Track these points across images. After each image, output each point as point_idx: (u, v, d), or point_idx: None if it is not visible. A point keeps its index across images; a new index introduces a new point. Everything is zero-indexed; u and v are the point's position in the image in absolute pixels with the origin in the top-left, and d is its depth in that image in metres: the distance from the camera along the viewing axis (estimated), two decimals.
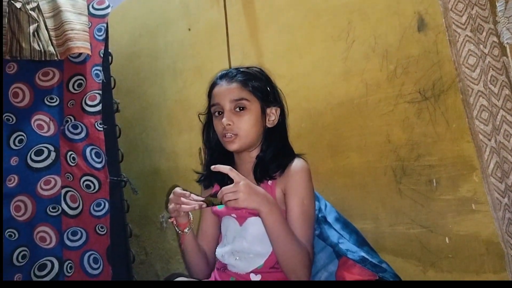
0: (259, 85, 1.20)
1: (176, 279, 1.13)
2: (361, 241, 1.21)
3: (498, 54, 1.03)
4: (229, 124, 1.15)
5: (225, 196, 1.02)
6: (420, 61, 1.17)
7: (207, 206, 1.11)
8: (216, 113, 1.20)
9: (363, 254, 1.14)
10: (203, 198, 1.12)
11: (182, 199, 1.11)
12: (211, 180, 1.27)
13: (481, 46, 1.03)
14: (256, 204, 1.03)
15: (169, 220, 1.20)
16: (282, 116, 1.25)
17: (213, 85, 1.23)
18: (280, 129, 1.24)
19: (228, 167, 1.04)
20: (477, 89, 1.03)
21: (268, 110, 1.20)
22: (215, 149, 1.26)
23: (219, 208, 1.23)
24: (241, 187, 1.01)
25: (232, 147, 1.17)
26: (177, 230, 1.18)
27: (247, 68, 1.25)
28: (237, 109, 1.16)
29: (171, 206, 1.14)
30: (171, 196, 1.14)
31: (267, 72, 1.27)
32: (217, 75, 1.24)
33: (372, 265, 1.12)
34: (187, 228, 1.17)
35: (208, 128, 1.28)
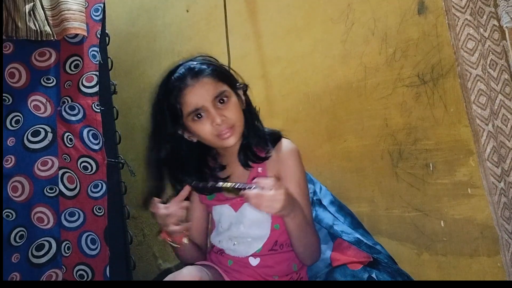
0: (223, 72, 1.14)
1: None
2: (355, 224, 1.22)
3: (498, 38, 1.03)
4: (223, 119, 1.08)
5: (263, 201, 0.96)
6: (420, 44, 1.16)
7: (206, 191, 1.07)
8: (195, 117, 1.10)
9: (357, 235, 1.16)
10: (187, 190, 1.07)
11: (171, 209, 1.05)
12: (182, 183, 1.17)
13: (481, 30, 1.03)
14: (286, 213, 1.02)
15: (160, 237, 1.11)
16: (247, 96, 1.20)
17: (178, 90, 1.09)
18: (251, 108, 1.20)
19: (273, 179, 0.98)
20: (475, 73, 1.03)
21: (239, 92, 1.16)
22: (188, 154, 1.18)
23: (209, 199, 1.20)
24: (282, 197, 0.97)
25: (231, 141, 1.10)
26: (174, 245, 1.11)
27: (194, 59, 1.16)
28: (219, 103, 1.09)
29: (170, 226, 1.05)
30: (158, 218, 1.07)
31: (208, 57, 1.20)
32: (175, 77, 1.11)
33: (367, 247, 1.14)
34: (186, 239, 1.11)
35: (169, 140, 1.15)
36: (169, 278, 1.04)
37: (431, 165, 1.15)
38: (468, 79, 1.03)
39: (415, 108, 1.18)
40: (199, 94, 1.08)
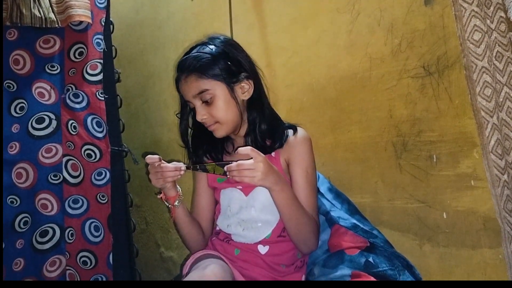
0: (218, 66, 1.12)
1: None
2: (352, 210, 1.24)
3: (505, 30, 1.02)
4: (205, 118, 1.14)
5: (242, 172, 0.99)
6: (426, 35, 1.15)
7: (194, 170, 1.09)
8: (192, 108, 1.18)
9: (354, 221, 1.17)
10: (183, 164, 1.10)
11: (163, 166, 1.09)
12: (202, 156, 1.25)
13: (488, 21, 1.02)
14: (270, 184, 1.03)
15: (158, 196, 1.16)
16: (258, 84, 1.20)
17: (177, 80, 1.18)
18: (261, 97, 1.20)
19: (249, 148, 1.00)
20: (481, 65, 1.03)
21: (236, 87, 1.15)
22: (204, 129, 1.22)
23: (219, 182, 1.23)
24: (260, 165, 0.99)
25: (219, 134, 1.16)
26: (167, 205, 1.16)
27: (206, 42, 1.17)
28: (204, 102, 1.13)
29: (154, 179, 1.10)
30: (149, 168, 1.11)
31: (225, 39, 1.19)
32: (176, 65, 1.17)
33: (363, 231, 1.15)
34: (177, 201, 1.15)
35: (189, 112, 1.23)
36: (193, 278, 1.02)
37: (434, 157, 1.15)
38: (473, 70, 1.03)
39: (419, 100, 1.17)
40: (184, 90, 1.15)
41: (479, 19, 1.02)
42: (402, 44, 1.20)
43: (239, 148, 1.01)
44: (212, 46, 1.15)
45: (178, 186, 1.16)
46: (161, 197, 1.16)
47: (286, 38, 1.52)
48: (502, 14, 1.02)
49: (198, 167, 1.09)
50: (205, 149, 1.25)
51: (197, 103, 1.14)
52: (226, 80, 1.13)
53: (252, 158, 0.99)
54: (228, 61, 1.14)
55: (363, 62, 1.30)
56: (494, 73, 1.02)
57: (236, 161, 1.01)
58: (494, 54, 1.02)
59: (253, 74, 1.18)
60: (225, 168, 1.02)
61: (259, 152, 1.01)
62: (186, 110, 1.22)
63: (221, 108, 1.13)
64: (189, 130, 1.26)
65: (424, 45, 1.16)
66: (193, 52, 1.15)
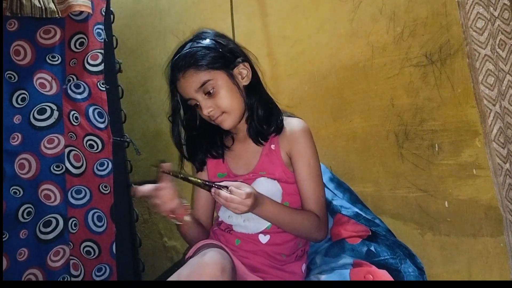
0: (213, 56, 1.12)
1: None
2: (354, 199, 1.24)
3: (508, 17, 1.01)
4: (211, 110, 1.13)
5: (230, 205, 1.02)
6: (428, 23, 1.14)
7: (174, 176, 1.08)
8: (194, 105, 1.17)
9: (356, 210, 1.18)
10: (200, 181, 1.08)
11: (162, 193, 1.08)
12: (202, 158, 1.26)
13: (491, 9, 1.01)
14: (251, 210, 1.05)
15: (169, 217, 1.13)
16: (253, 68, 1.20)
17: (172, 80, 1.16)
18: (257, 81, 1.21)
19: (244, 193, 1.01)
20: (484, 53, 1.02)
21: (235, 72, 1.16)
22: (202, 127, 1.23)
23: (220, 177, 1.23)
24: (248, 203, 1.01)
25: (227, 125, 1.16)
26: (177, 223, 1.14)
27: (194, 39, 1.17)
28: (205, 95, 1.12)
29: (166, 204, 1.08)
30: (154, 198, 1.09)
31: (212, 32, 1.20)
32: (169, 67, 1.17)
33: (365, 220, 1.16)
34: (187, 216, 1.14)
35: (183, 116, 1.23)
36: (191, 264, 1.01)
37: (436, 146, 1.15)
38: (476, 59, 1.02)
39: (422, 89, 1.17)
40: (185, 87, 1.14)
41: (482, 6, 1.01)
42: (404, 32, 1.20)
43: (232, 189, 1.02)
44: (202, 40, 1.15)
45: (183, 200, 1.13)
46: (172, 217, 1.13)
47: (288, 27, 1.51)
48: (506, 2, 1.01)
49: (180, 175, 1.07)
50: (205, 149, 1.25)
51: (200, 98, 1.13)
52: (224, 67, 1.13)
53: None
54: (221, 49, 1.14)
55: (365, 51, 1.29)
56: (497, 61, 1.01)
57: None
58: (497, 42, 1.01)
59: (248, 59, 1.20)
60: (212, 190, 1.04)
61: (251, 190, 1.03)
62: (178, 114, 1.21)
63: (225, 97, 1.13)
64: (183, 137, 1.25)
65: (427, 33, 1.15)
66: (184, 49, 1.15)
